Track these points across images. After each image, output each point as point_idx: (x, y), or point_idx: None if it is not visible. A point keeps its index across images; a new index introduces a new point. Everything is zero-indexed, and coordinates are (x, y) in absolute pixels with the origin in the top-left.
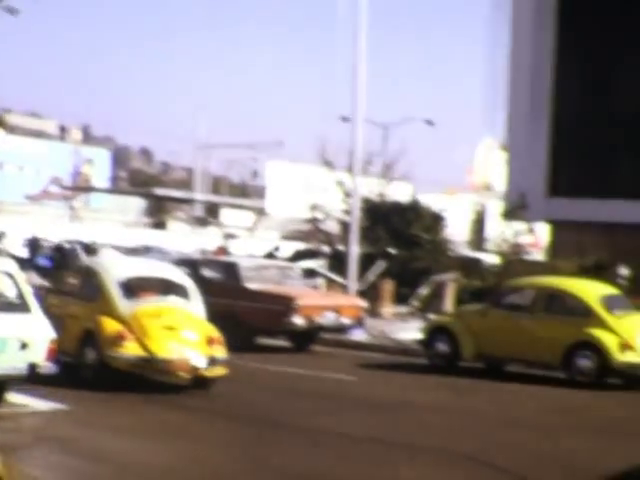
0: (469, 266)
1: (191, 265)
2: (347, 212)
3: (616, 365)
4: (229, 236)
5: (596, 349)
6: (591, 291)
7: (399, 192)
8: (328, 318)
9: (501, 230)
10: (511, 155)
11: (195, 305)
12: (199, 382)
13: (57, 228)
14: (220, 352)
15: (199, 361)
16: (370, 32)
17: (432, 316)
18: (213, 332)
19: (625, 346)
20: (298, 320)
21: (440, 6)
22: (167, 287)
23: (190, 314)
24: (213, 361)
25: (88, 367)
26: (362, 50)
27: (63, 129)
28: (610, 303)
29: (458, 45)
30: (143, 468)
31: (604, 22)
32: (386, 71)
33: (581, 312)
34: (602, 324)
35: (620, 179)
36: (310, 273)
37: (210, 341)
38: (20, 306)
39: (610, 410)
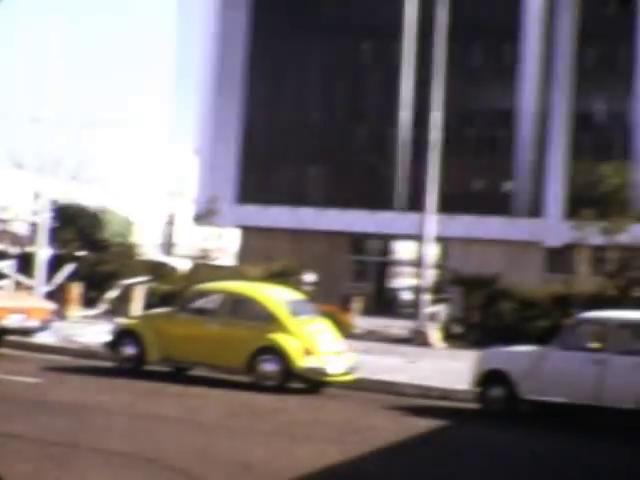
0: (158, 270)
1: None
2: (36, 214)
3: (298, 370)
4: None
5: (279, 354)
6: (275, 297)
7: (91, 195)
8: (14, 320)
9: (191, 235)
10: (201, 161)
11: None
12: None
13: None
14: None
15: None
16: (65, 32)
17: (120, 319)
18: None
19: (307, 351)
20: None
21: (130, 8)
22: None
23: None
24: None
25: None
26: (55, 50)
27: None
28: (294, 309)
29: (147, 49)
30: None
31: (293, 35)
32: (80, 74)
33: (265, 317)
34: (285, 329)
35: (309, 188)
36: None
37: None
38: None
39: (292, 413)
